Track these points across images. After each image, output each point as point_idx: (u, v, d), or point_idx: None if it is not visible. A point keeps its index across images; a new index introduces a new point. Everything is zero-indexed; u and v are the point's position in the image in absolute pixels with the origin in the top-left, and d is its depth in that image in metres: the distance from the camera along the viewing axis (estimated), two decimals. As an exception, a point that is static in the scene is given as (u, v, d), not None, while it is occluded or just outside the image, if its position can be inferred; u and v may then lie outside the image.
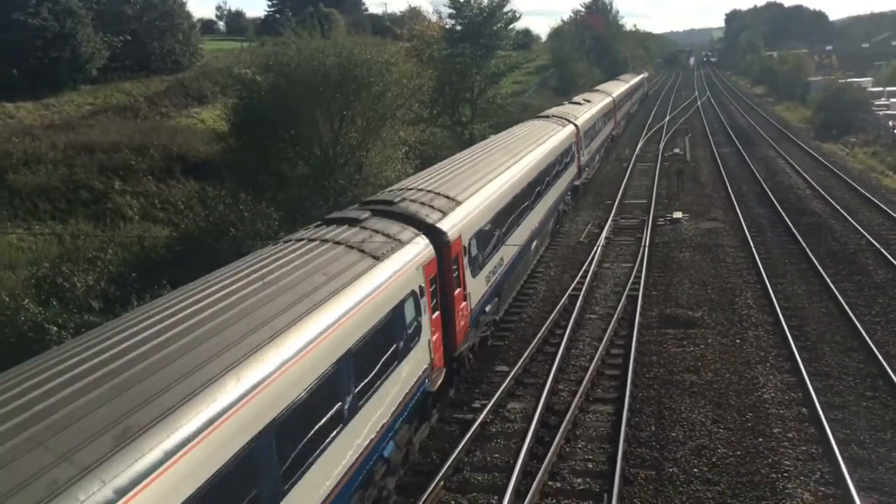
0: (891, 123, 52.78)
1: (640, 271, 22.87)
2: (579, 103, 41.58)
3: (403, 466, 12.45)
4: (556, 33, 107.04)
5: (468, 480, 12.45)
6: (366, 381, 10.34)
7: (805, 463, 12.35)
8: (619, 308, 19.76)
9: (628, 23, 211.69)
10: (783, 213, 29.53)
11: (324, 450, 8.93)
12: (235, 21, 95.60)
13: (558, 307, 20.08)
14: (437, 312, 13.77)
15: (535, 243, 23.60)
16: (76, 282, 20.11)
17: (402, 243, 12.71)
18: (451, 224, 14.72)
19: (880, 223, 27.36)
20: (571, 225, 30.18)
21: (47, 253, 23.56)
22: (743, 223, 28.38)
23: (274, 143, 28.17)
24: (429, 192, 15.99)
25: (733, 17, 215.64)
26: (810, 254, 23.64)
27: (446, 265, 14.12)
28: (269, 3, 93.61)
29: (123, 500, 5.71)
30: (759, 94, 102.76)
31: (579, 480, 12.26)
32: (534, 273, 23.69)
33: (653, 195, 34.58)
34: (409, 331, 12.16)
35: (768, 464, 12.37)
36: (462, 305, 15.07)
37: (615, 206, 32.81)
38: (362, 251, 11.75)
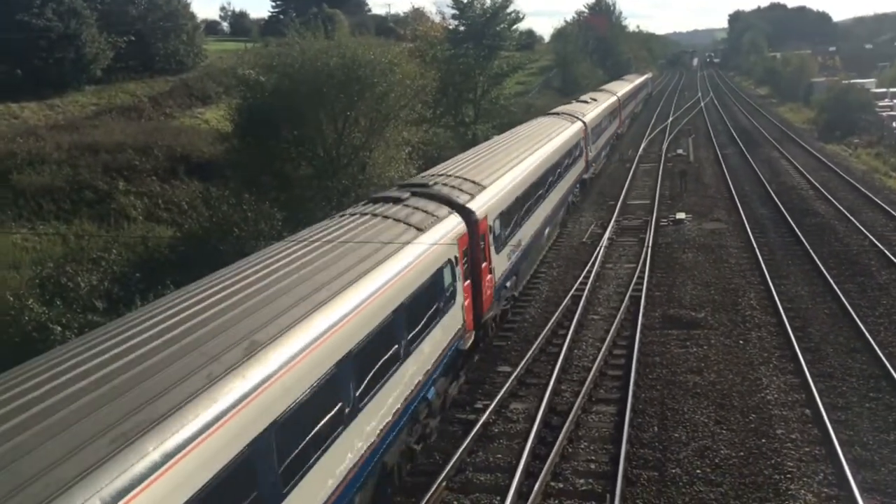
0: (894, 124, 52.73)
1: (643, 272, 22.86)
2: (586, 102, 43.10)
3: (441, 413, 14.08)
4: (559, 34, 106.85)
5: (471, 481, 12.47)
6: (415, 331, 12.14)
7: (808, 464, 12.34)
8: (621, 309, 19.76)
9: (631, 23, 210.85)
10: (786, 214, 29.49)
11: (384, 384, 10.73)
12: (239, 22, 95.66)
13: (561, 307, 20.09)
14: (468, 281, 15.39)
15: (547, 230, 25.31)
16: (80, 282, 20.15)
17: (439, 219, 14.45)
18: (478, 204, 16.43)
19: (884, 224, 27.31)
20: (574, 225, 30.18)
21: (51, 253, 23.61)
22: (746, 224, 28.35)
23: (277, 143, 28.21)
24: (457, 177, 17.80)
25: (737, 18, 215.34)
26: (813, 255, 23.61)
27: (475, 240, 15.81)
28: (273, 3, 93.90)
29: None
30: (762, 95, 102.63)
31: (582, 481, 12.27)
32: (537, 273, 23.70)
33: (656, 196, 34.56)
34: (447, 293, 13.90)
35: (771, 465, 12.36)
36: (488, 277, 16.69)
37: (618, 207, 32.80)
38: (408, 224, 13.57)
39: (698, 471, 12.36)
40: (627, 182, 38.77)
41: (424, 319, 12.63)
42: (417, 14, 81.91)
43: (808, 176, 37.69)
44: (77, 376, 6.96)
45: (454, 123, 47.52)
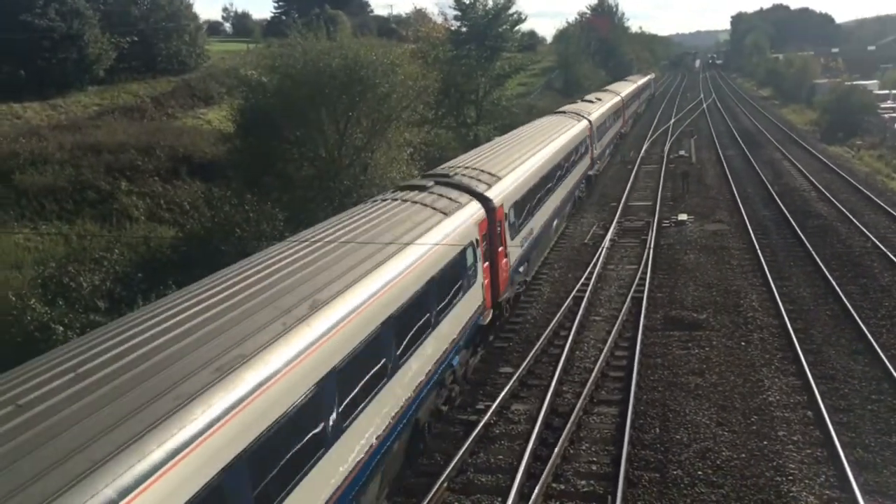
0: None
1: (644, 273, 22.85)
2: (591, 101, 44.40)
3: (462, 382, 15.41)
4: (561, 35, 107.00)
5: (472, 482, 12.46)
6: (443, 303, 13.48)
7: (810, 466, 12.33)
8: (623, 310, 19.75)
9: (634, 25, 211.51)
10: (789, 216, 29.47)
11: (419, 346, 12.15)
12: (242, 22, 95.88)
13: (563, 309, 20.08)
14: (487, 263, 16.62)
15: (555, 223, 26.71)
16: (82, 282, 20.16)
17: (461, 205, 15.75)
18: (495, 193, 17.67)
19: (886, 226, 27.27)
20: (576, 227, 30.17)
21: (54, 253, 23.64)
22: (748, 225, 28.33)
23: (279, 144, 28.21)
24: (475, 168, 19.16)
25: (739, 20, 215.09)
26: (816, 256, 23.58)
27: (493, 226, 17.03)
28: (276, 4, 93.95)
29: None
30: (764, 97, 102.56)
31: (583, 482, 12.25)
32: (538, 274, 23.69)
33: (658, 197, 34.54)
34: (469, 272, 15.20)
35: (773, 467, 12.35)
36: (504, 261, 18.02)
37: (620, 208, 32.79)
38: (434, 209, 14.84)
39: (700, 472, 12.34)
40: (629, 183, 38.76)
41: (451, 294, 14.03)
42: (419, 15, 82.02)
43: (810, 177, 37.66)
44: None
45: (456, 124, 47.54)
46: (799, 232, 26.83)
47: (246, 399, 7.21)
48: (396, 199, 15.14)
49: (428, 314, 12.66)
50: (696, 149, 48.01)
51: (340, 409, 9.20)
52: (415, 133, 33.43)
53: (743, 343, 17.59)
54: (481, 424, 13.94)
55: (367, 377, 10.13)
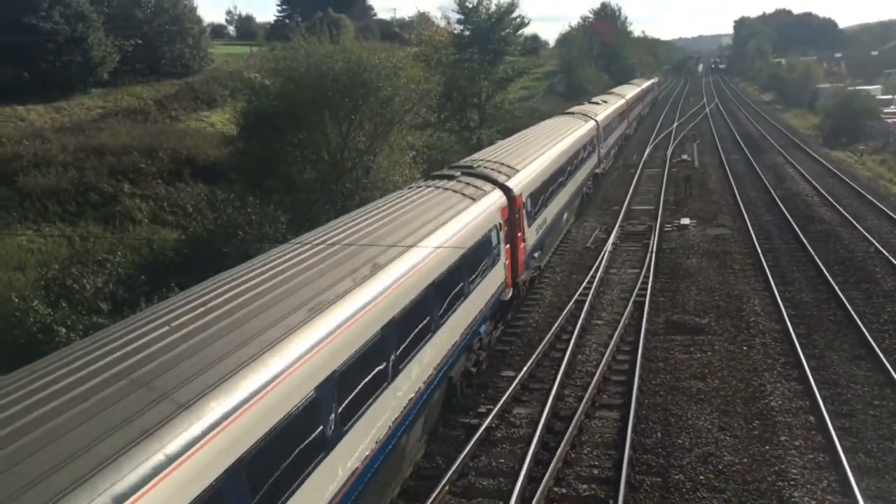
0: (900, 131, 52.67)
1: (646, 277, 22.84)
2: (598, 103, 45.81)
3: (486, 350, 16.89)
4: (564, 39, 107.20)
5: (473, 485, 12.45)
6: (473, 276, 15.06)
7: (812, 471, 12.30)
8: (625, 314, 19.73)
9: (636, 29, 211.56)
10: (791, 220, 29.45)
11: (453, 311, 13.73)
12: (245, 26, 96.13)
13: (565, 312, 20.07)
14: (508, 245, 18.08)
15: (565, 215, 28.28)
16: (85, 284, 20.21)
17: (485, 192, 17.33)
18: (515, 183, 19.18)
19: (889, 231, 27.25)
20: (578, 230, 30.18)
21: (57, 255, 23.69)
22: (751, 230, 28.31)
23: (282, 146, 28.26)
24: (495, 161, 20.67)
25: (742, 24, 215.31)
26: (818, 261, 23.56)
27: (513, 212, 18.48)
28: (279, 8, 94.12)
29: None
30: (767, 102, 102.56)
31: (584, 486, 12.24)
32: (541, 278, 23.69)
33: (660, 201, 34.53)
34: (494, 252, 16.77)
35: (775, 472, 12.33)
36: (522, 245, 19.51)
37: (622, 212, 32.79)
38: (463, 195, 16.47)
39: (701, 477, 12.33)
40: (632, 187, 38.76)
41: (479, 269, 15.62)
42: (423, 19, 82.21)
43: (813, 182, 37.64)
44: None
45: (459, 128, 47.62)
46: (801, 236, 26.81)
47: (335, 331, 9.06)
48: (430, 186, 16.88)
49: (461, 284, 14.28)
50: (698, 153, 48.03)
51: (398, 353, 11.05)
52: (417, 136, 33.48)
53: (745, 347, 17.57)
54: (483, 428, 13.93)
55: (417, 330, 11.89)
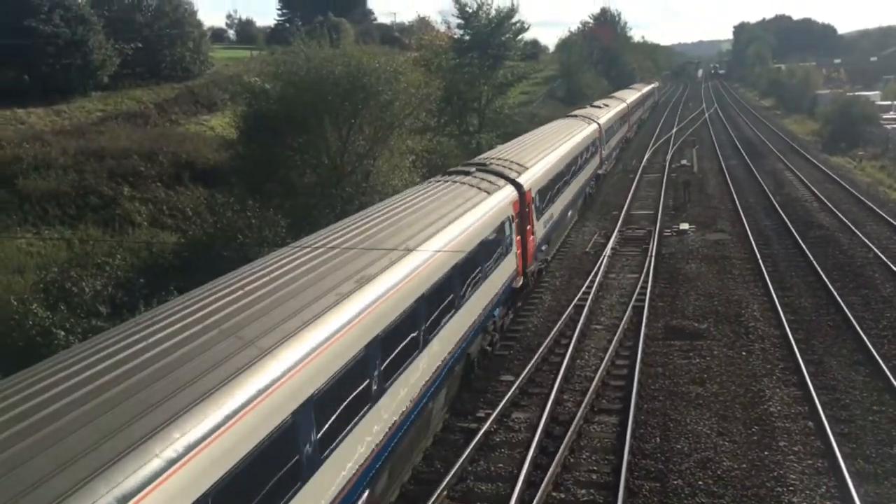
0: (899, 137, 52.70)
1: (646, 282, 22.85)
2: (600, 107, 47.44)
3: (499, 332, 18.27)
4: (564, 44, 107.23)
5: (472, 490, 12.44)
6: (490, 261, 16.47)
7: (811, 477, 12.30)
8: (624, 319, 19.75)
9: (636, 34, 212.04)
10: (790, 226, 29.47)
11: (473, 292, 15.15)
12: (245, 30, 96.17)
13: (564, 317, 20.07)
14: (519, 237, 19.33)
15: (569, 213, 29.59)
16: (84, 287, 20.19)
17: (499, 187, 18.64)
18: (525, 179, 20.53)
19: (888, 237, 27.27)
20: (578, 235, 30.19)
21: (56, 258, 23.66)
22: (750, 235, 28.33)
23: (282, 150, 28.27)
24: (505, 160, 22.01)
25: (741, 30, 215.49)
26: (817, 266, 23.57)
27: (523, 206, 19.74)
28: (279, 12, 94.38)
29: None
30: (766, 107, 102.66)
31: (583, 491, 12.23)
32: (540, 283, 23.70)
33: (659, 206, 34.56)
34: (507, 242, 18.10)
35: (774, 477, 12.33)
36: (531, 237, 20.85)
37: (622, 217, 32.81)
38: (479, 188, 17.80)
39: (700, 482, 12.32)
40: (631, 192, 38.79)
41: (495, 255, 16.93)
42: (423, 23, 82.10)
43: (812, 188, 37.68)
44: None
45: (458, 132, 47.64)
46: (800, 242, 26.83)
47: (380, 299, 10.46)
48: (448, 181, 18.28)
49: (479, 268, 15.63)
50: (697, 158, 48.11)
51: (427, 325, 12.36)
52: (417, 141, 33.50)
53: (744, 353, 17.57)
54: (481, 432, 13.93)
55: (443, 305, 13.21)
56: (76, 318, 18.62)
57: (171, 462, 6.18)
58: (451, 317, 13.66)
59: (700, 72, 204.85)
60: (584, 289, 22.60)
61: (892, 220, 29.13)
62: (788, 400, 15.03)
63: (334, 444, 9.02)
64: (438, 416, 14.30)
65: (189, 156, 33.30)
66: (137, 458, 6.00)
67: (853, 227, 28.43)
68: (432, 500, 11.79)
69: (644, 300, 21.16)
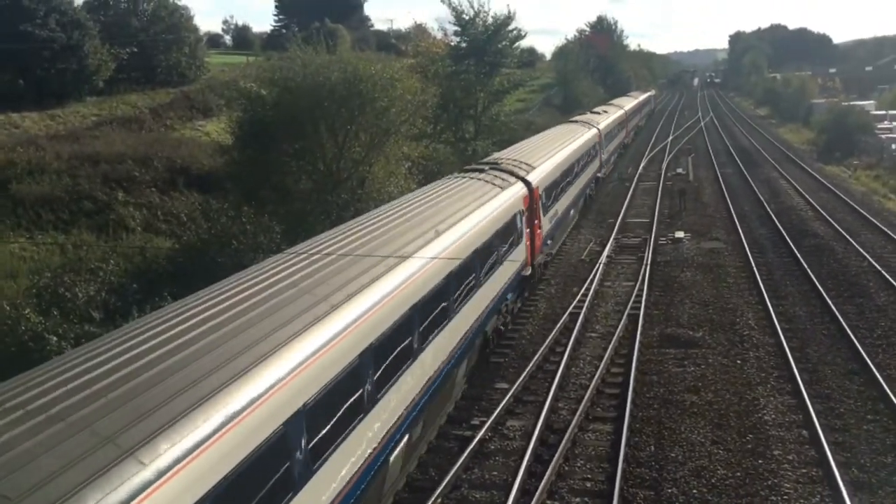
0: (894, 147, 52.97)
1: (641, 290, 22.84)
2: (599, 113, 49.66)
3: (511, 315, 19.98)
4: (560, 52, 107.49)
5: (466, 498, 12.37)
6: (504, 248, 18.08)
7: (805, 486, 12.27)
8: (619, 327, 19.73)
9: (632, 42, 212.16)
10: (785, 235, 29.54)
11: (489, 276, 16.76)
12: (242, 35, 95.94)
13: (559, 325, 20.05)
14: (528, 230, 20.92)
15: (571, 212, 31.29)
16: (77, 292, 20.07)
17: (510, 183, 20.35)
18: (533, 177, 22.24)
19: (882, 246, 27.34)
20: (573, 243, 30.20)
21: (49, 263, 23.53)
22: (745, 244, 28.37)
23: (277, 156, 28.20)
24: (514, 160, 23.73)
25: (737, 39, 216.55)
26: (812, 275, 23.61)
27: (532, 202, 21.35)
28: (276, 18, 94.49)
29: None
30: (762, 116, 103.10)
31: (578, 500, 12.19)
32: (535, 290, 23.67)
33: (655, 214, 34.61)
34: (517, 234, 19.67)
35: (768, 486, 12.29)
36: (539, 231, 22.53)
37: (617, 225, 32.83)
38: (493, 184, 19.47)
39: (695, 491, 12.28)
40: (627, 200, 38.84)
41: (508, 244, 18.45)
42: (419, 30, 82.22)
43: (807, 197, 37.80)
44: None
45: (454, 139, 47.65)
46: (795, 251, 26.88)
47: (416, 273, 12.08)
48: (465, 177, 19.91)
49: (495, 253, 17.20)
50: (693, 167, 48.21)
51: (454, 299, 14.00)
52: (413, 147, 33.50)
53: (739, 361, 17.57)
54: (476, 440, 13.87)
55: (464, 286, 14.68)
56: (69, 324, 18.51)
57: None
58: (472, 296, 15.31)
59: (696, 80, 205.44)
60: (579, 296, 22.58)
61: (886, 230, 29.22)
62: (783, 408, 15.02)
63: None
64: (460, 386, 15.98)
65: (184, 161, 33.22)
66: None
67: (848, 236, 28.50)
68: (426, 508, 11.74)
69: (639, 308, 21.15)
